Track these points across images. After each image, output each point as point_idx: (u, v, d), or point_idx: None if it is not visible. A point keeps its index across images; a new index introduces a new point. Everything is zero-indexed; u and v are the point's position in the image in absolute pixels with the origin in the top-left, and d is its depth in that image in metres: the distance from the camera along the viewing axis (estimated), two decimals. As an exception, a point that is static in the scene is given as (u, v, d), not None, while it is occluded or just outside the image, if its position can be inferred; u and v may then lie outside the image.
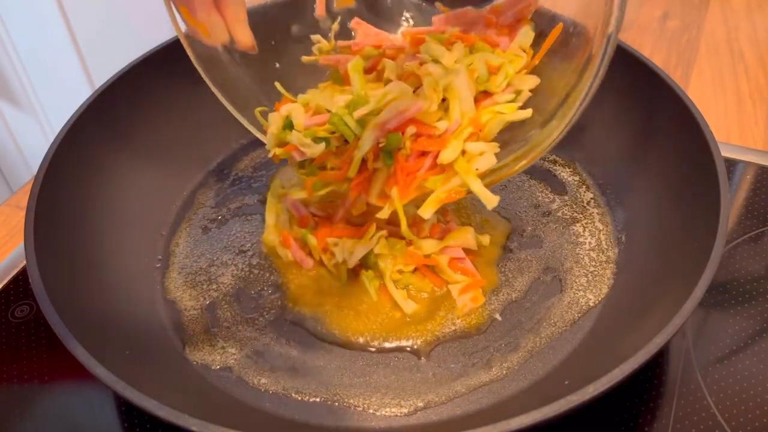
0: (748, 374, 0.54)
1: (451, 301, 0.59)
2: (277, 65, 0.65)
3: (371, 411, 0.53)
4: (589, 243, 0.64)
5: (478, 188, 0.53)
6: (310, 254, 0.62)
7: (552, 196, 0.69)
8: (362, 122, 0.53)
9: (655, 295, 0.53)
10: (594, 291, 0.60)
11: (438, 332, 0.57)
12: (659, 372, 0.55)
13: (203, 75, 0.61)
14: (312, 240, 0.61)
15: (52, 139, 0.60)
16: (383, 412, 0.52)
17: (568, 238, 0.65)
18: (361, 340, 0.57)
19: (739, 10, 1.00)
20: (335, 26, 0.66)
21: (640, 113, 0.66)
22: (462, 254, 0.60)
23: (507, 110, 0.55)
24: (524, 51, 0.59)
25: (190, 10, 0.52)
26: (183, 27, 0.58)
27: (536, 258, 0.63)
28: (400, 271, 0.60)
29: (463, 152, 0.54)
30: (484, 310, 0.59)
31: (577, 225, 0.66)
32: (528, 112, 0.56)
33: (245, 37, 0.54)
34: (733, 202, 0.69)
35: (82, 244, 0.59)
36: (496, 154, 0.54)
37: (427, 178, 0.54)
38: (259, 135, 0.61)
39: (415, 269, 0.61)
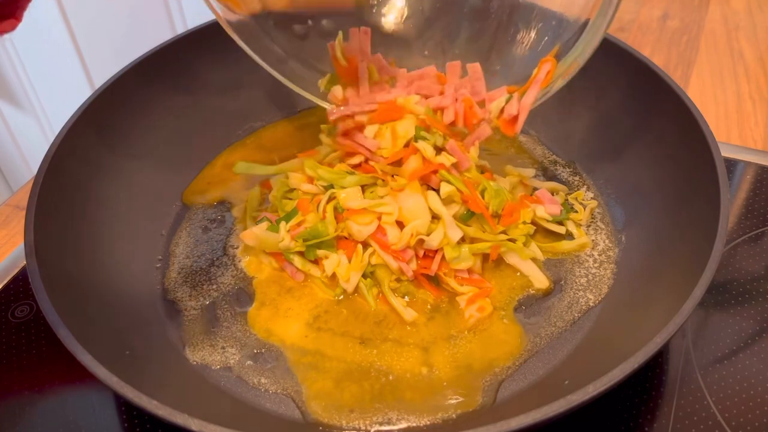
0: (748, 374, 0.54)
1: (454, 308, 0.59)
2: (310, 22, 0.66)
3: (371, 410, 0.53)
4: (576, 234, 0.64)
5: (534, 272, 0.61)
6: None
7: (552, 196, 0.69)
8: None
9: (655, 296, 0.53)
10: (594, 291, 0.60)
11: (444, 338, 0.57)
12: (659, 372, 0.55)
13: (246, 49, 0.62)
14: (298, 261, 0.61)
15: (52, 139, 0.60)
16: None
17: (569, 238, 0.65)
18: (360, 342, 0.57)
19: (739, 10, 1.00)
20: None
21: (640, 113, 0.66)
22: (466, 275, 0.60)
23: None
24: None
25: None
26: (218, 8, 0.59)
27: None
28: (398, 280, 0.60)
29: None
30: (492, 319, 0.58)
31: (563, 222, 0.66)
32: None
33: None
34: (733, 202, 0.69)
35: (82, 245, 0.59)
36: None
37: None
38: (315, 99, 0.65)
39: (414, 278, 0.60)
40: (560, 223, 0.65)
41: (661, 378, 0.55)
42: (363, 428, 0.51)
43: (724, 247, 0.49)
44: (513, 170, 0.68)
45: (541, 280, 0.60)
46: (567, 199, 0.67)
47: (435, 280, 0.60)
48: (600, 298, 0.59)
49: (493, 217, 0.61)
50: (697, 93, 0.86)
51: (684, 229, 0.56)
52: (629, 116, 0.67)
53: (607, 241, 0.64)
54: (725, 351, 0.56)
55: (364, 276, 0.60)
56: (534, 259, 0.62)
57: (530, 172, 0.69)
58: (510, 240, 0.61)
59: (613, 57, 0.68)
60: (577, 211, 0.66)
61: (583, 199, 0.68)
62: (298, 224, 0.61)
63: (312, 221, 0.61)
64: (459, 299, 0.59)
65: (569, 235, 0.65)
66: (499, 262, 0.62)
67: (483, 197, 0.61)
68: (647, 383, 0.54)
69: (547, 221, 0.64)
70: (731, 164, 0.73)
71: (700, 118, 0.59)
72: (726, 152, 0.73)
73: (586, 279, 0.61)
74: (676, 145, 0.61)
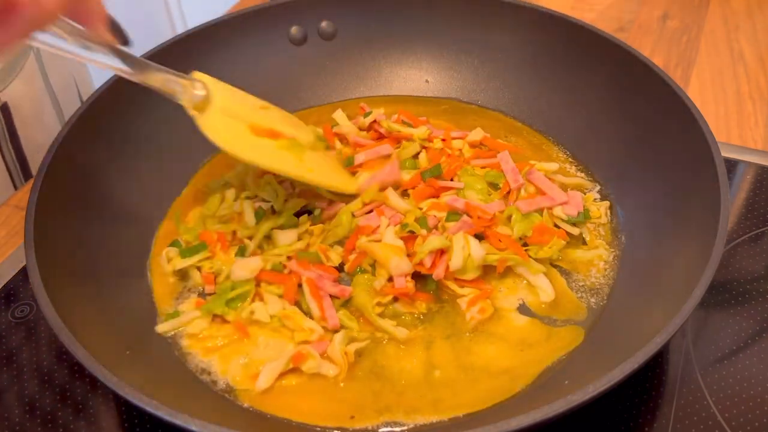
0: (748, 374, 0.54)
1: (455, 308, 0.59)
2: None
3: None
4: (590, 243, 0.64)
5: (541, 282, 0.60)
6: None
7: (552, 196, 0.69)
8: None
9: (655, 295, 0.53)
10: (594, 291, 0.60)
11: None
12: (659, 372, 0.55)
13: None
14: (234, 316, 0.58)
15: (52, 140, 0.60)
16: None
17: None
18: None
19: (739, 10, 1.00)
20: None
21: (640, 113, 0.66)
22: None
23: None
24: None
25: None
26: None
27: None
28: (380, 303, 0.58)
29: None
30: (493, 319, 0.58)
31: (578, 225, 0.66)
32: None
33: None
34: (733, 202, 0.69)
35: (82, 244, 0.59)
36: None
37: None
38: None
39: (396, 299, 0.59)
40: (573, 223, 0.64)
41: (661, 378, 0.54)
42: (369, 429, 0.51)
43: (724, 247, 0.49)
44: (537, 165, 0.68)
45: (548, 293, 0.59)
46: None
47: (432, 284, 0.59)
48: (600, 299, 0.59)
49: (519, 239, 0.61)
50: (697, 93, 0.86)
51: (684, 229, 0.56)
52: (629, 116, 0.67)
53: (607, 241, 0.64)
54: (725, 351, 0.56)
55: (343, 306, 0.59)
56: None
57: (553, 166, 0.69)
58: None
59: (613, 57, 0.69)
60: (590, 217, 0.65)
61: (593, 201, 0.67)
62: (212, 273, 0.60)
63: (224, 262, 0.61)
64: (460, 301, 0.59)
65: (581, 239, 0.64)
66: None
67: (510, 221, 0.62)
68: (647, 383, 0.54)
69: (562, 220, 0.63)
70: (731, 164, 0.73)
71: (700, 118, 0.59)
72: (726, 152, 0.73)
73: (586, 279, 0.61)
74: (676, 145, 0.61)
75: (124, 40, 0.55)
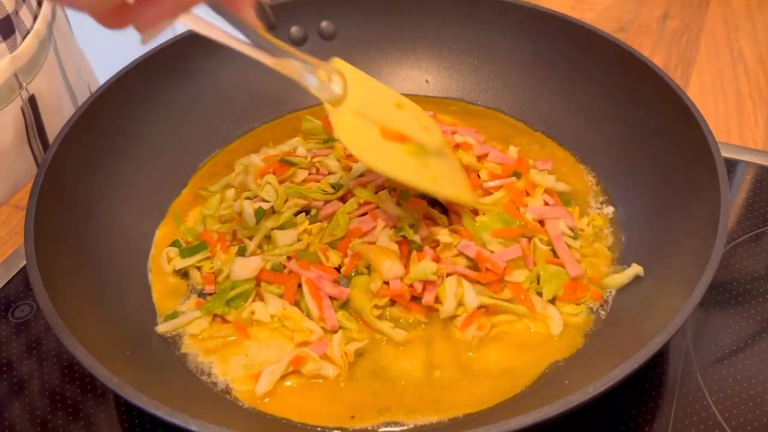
0: (748, 374, 0.54)
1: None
2: None
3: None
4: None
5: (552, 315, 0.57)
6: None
7: (552, 196, 0.69)
8: None
9: (655, 295, 0.53)
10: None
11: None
12: (659, 372, 0.55)
13: None
14: (234, 316, 0.58)
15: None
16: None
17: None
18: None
19: (739, 10, 1.00)
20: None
21: (640, 113, 0.66)
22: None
23: None
24: None
25: None
26: None
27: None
28: (377, 306, 0.57)
29: None
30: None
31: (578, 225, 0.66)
32: None
33: None
34: (733, 202, 0.69)
35: (82, 244, 0.59)
36: None
37: None
38: None
39: (393, 302, 0.58)
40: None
41: (661, 378, 0.55)
42: (369, 429, 0.51)
43: (724, 247, 0.49)
44: (538, 180, 0.66)
45: (558, 326, 0.56)
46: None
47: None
48: (600, 299, 0.59)
49: (550, 301, 0.58)
50: (697, 93, 0.86)
51: (684, 229, 0.56)
52: (629, 116, 0.67)
53: (607, 242, 0.64)
54: (725, 351, 0.56)
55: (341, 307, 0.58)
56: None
57: (550, 179, 0.66)
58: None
59: (613, 57, 0.69)
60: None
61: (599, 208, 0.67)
62: (212, 273, 0.60)
63: (224, 262, 0.61)
64: (455, 322, 0.57)
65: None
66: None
67: (538, 282, 0.58)
68: (647, 383, 0.54)
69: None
70: (731, 164, 0.73)
71: (700, 118, 0.59)
72: (726, 152, 0.73)
73: (586, 279, 0.61)
74: (676, 145, 0.61)
75: (271, 24, 0.52)
